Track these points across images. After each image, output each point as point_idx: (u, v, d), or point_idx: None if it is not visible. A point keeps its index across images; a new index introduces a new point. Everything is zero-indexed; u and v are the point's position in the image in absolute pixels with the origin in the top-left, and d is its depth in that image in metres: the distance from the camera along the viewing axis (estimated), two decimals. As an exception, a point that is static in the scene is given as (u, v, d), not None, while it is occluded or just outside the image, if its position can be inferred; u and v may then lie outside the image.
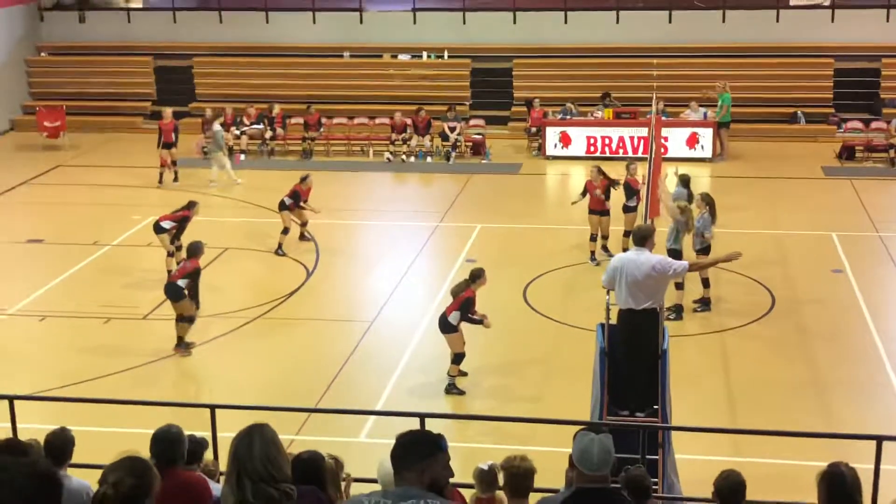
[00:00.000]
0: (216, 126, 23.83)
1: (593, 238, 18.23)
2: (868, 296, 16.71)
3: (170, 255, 17.75)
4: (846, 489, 5.69)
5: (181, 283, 14.88)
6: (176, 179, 23.53)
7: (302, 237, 19.55)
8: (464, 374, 14.07)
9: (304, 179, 19.21)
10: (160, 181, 23.47)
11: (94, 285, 17.92)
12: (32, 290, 17.59)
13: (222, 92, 28.39)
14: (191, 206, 17.88)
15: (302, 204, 19.09)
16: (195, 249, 15.08)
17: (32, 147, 27.04)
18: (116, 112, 29.34)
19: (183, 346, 15.06)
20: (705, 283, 16.22)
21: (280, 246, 18.78)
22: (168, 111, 24.10)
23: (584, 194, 18.38)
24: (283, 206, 19.00)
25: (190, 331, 15.10)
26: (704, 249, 16.05)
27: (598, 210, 18.14)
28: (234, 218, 21.38)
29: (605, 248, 18.16)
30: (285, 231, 18.91)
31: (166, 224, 17.61)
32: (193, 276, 14.90)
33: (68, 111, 27.73)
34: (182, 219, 17.66)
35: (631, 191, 18.23)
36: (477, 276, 13.98)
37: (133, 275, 18.37)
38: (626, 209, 18.22)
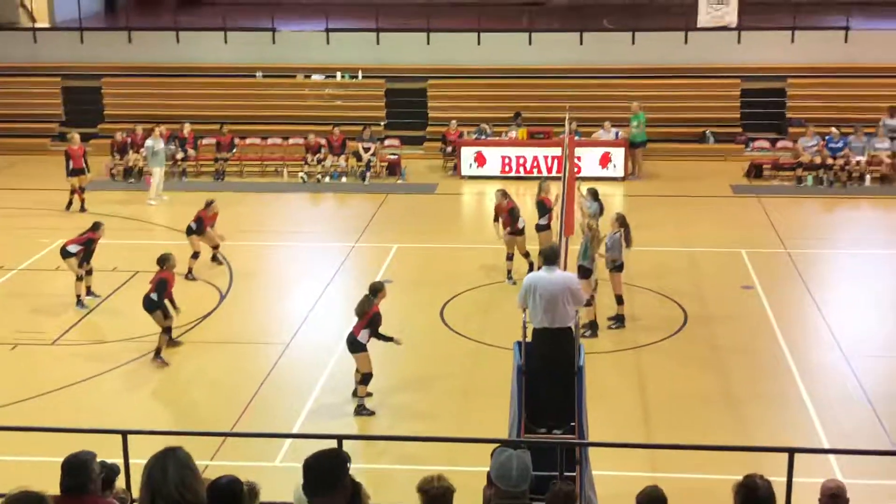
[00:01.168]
0: (149, 141, 23.62)
1: (509, 257, 18.30)
2: (778, 311, 17.03)
3: (79, 279, 17.38)
4: (760, 500, 5.76)
5: (153, 295, 15.17)
6: (83, 209, 22.63)
7: (214, 259, 19.30)
8: (369, 394, 13.96)
9: (208, 205, 18.97)
10: (68, 207, 22.86)
11: (1, 311, 17.45)
12: (-65, 317, 17.08)
13: (132, 113, 27.97)
14: (96, 227, 17.57)
15: (207, 229, 18.87)
16: (163, 260, 15.36)
17: (-65, 170, 26.34)
18: (23, 134, 28.70)
19: (158, 356, 15.23)
20: (619, 299, 16.38)
21: (190, 270, 18.50)
22: (76, 136, 23.42)
23: (496, 219, 18.45)
24: (189, 231, 18.77)
25: (164, 342, 15.31)
26: (617, 268, 16.22)
27: (512, 230, 18.23)
28: (145, 241, 21.01)
29: (531, 266, 18.18)
30: (195, 255, 18.66)
31: (73, 248, 17.26)
32: (160, 286, 15.18)
33: (-27, 133, 27.08)
34: (87, 241, 17.34)
35: (544, 209, 18.37)
36: (378, 289, 13.94)
37: (40, 300, 17.93)
38: (539, 228, 18.35)
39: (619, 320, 16.39)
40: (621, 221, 16.29)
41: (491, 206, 19.34)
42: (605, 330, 16.27)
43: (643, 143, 25.53)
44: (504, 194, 18.58)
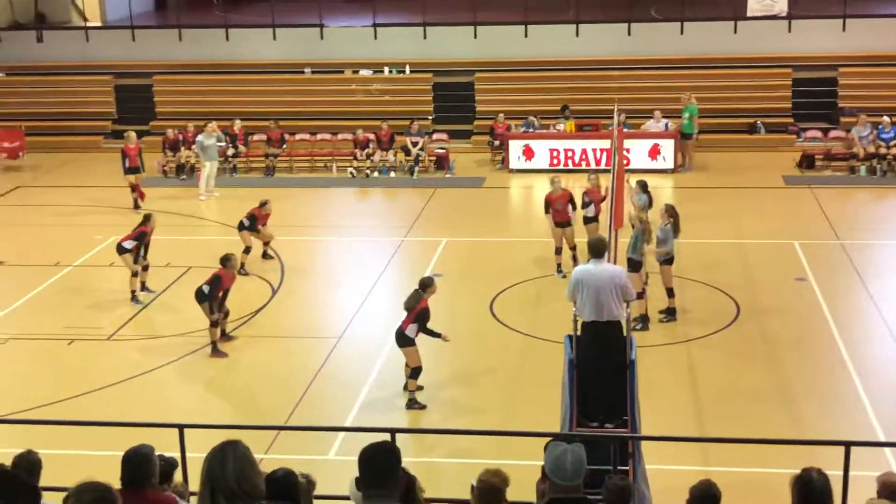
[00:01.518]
0: (200, 137, 23.86)
1: (558, 251, 18.28)
2: (831, 303, 16.85)
3: (134, 274, 17.61)
4: (818, 494, 5.73)
5: (205, 287, 15.38)
6: (137, 206, 22.58)
7: (265, 255, 19.44)
8: (420, 387, 14.02)
9: (263, 205, 19.10)
10: (135, 207, 22.55)
11: (57, 307, 17.73)
12: (-6, 313, 17.40)
13: (183, 110, 28.22)
14: (146, 220, 17.82)
15: (259, 227, 19.04)
16: (225, 260, 15.60)
17: (-9, 168, 26.79)
18: (76, 132, 29.09)
19: (215, 350, 15.51)
20: (670, 292, 16.30)
21: (242, 265, 18.62)
22: (132, 134, 23.44)
23: (547, 210, 18.43)
24: (241, 227, 18.95)
25: (216, 334, 15.55)
26: (668, 261, 16.14)
27: (561, 222, 18.21)
28: (198, 236, 21.25)
29: (574, 259, 18.18)
30: (247, 250, 18.79)
31: (127, 244, 17.49)
32: (213, 282, 15.38)
33: (27, 132, 27.47)
34: (140, 235, 17.56)
35: (590, 202, 18.36)
36: (427, 284, 13.98)
37: (96, 295, 18.20)
38: (587, 220, 18.33)
39: (670, 313, 16.32)
40: (671, 212, 16.19)
41: (540, 199, 19.30)
42: (657, 323, 16.20)
43: (692, 134, 25.34)
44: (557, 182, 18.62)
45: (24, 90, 29.85)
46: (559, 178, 18.99)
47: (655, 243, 16.09)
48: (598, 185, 18.51)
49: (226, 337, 15.83)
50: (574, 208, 18.28)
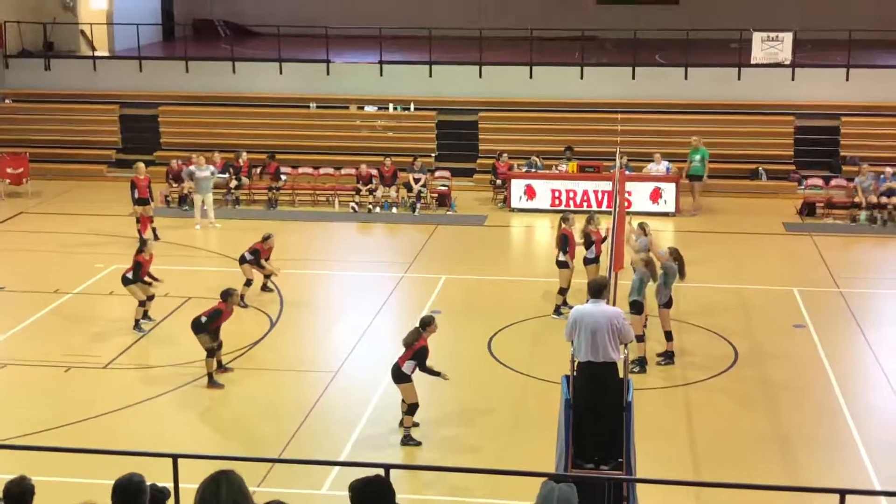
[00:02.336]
0: (190, 168, 23.95)
1: (562, 291, 18.23)
2: (830, 351, 16.84)
3: (141, 304, 17.63)
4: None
5: (203, 318, 15.49)
6: (157, 237, 22.37)
7: (264, 288, 19.45)
8: (416, 424, 13.98)
9: (265, 239, 19.06)
10: (141, 237, 21.96)
11: (56, 333, 17.72)
12: (-8, 338, 17.39)
13: (188, 141, 28.34)
14: (142, 247, 17.93)
15: (263, 263, 19.03)
16: (227, 295, 15.64)
17: (-6, 194, 26.86)
18: (81, 160, 29.20)
19: (212, 381, 15.53)
20: (668, 335, 16.30)
21: (242, 297, 18.63)
22: (142, 166, 23.27)
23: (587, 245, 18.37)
24: (242, 261, 18.94)
25: (212, 365, 15.57)
26: (666, 304, 16.15)
27: (560, 262, 18.20)
28: (197, 267, 21.28)
29: (565, 302, 18.14)
30: (248, 283, 18.81)
31: (130, 275, 17.56)
32: (213, 315, 15.49)
33: (32, 158, 27.57)
34: (136, 264, 17.60)
35: (590, 242, 18.37)
36: (427, 323, 13.97)
37: (95, 323, 18.20)
38: (587, 261, 18.34)
39: (668, 356, 16.31)
40: (675, 255, 16.21)
41: (540, 239, 19.34)
42: (654, 366, 16.18)
43: (702, 176, 25.42)
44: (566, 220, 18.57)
45: (30, 117, 30.03)
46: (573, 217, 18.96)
47: (660, 280, 16.06)
48: (599, 227, 18.54)
49: (222, 368, 15.81)
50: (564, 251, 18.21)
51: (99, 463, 11.00)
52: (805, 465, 13.30)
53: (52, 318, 18.45)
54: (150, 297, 17.78)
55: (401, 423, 13.94)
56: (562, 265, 18.15)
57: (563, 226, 18.31)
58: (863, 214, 24.46)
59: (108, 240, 22.94)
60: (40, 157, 28.25)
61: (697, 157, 25.39)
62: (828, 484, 11.72)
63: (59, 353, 16.71)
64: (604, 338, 10.55)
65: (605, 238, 18.65)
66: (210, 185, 24.05)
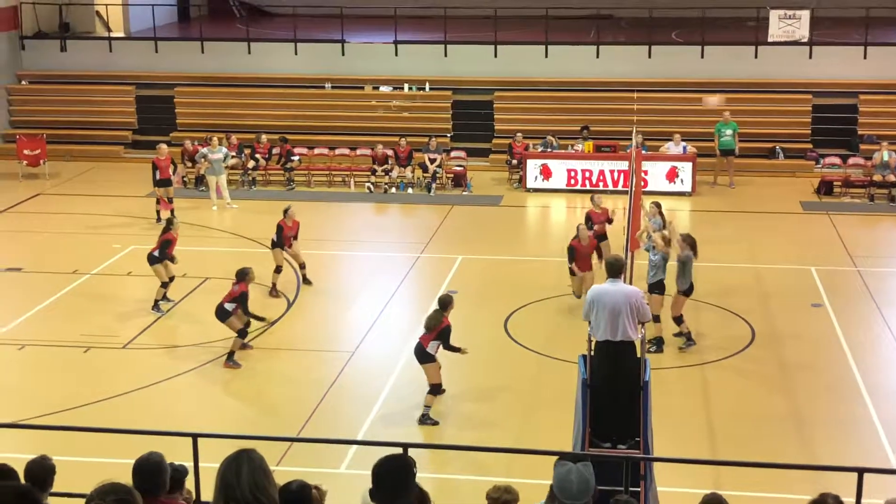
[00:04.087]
0: (203, 150, 23.95)
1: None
2: (847, 330, 16.80)
3: (163, 285, 17.68)
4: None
5: (228, 306, 15.47)
6: (160, 219, 22.29)
7: (305, 281, 18.93)
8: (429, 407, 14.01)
9: (285, 212, 18.91)
10: (158, 219, 22.45)
11: (74, 314, 17.82)
12: (11, 319, 17.48)
13: (203, 122, 28.37)
14: (169, 225, 17.92)
15: (289, 238, 18.62)
16: (243, 274, 15.56)
17: (12, 175, 26.94)
18: (97, 141, 29.28)
19: (230, 360, 15.52)
20: (677, 320, 16.04)
21: (274, 286, 18.47)
22: (164, 147, 23.25)
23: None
24: (273, 245, 18.65)
25: (238, 345, 15.64)
26: (687, 291, 15.96)
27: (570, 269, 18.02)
28: (215, 247, 21.33)
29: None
30: (277, 269, 18.55)
31: (157, 253, 17.58)
32: (240, 299, 15.46)
33: (49, 140, 27.65)
34: (164, 243, 17.64)
35: (590, 223, 18.45)
36: (447, 302, 14.02)
37: (113, 303, 18.28)
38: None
39: (689, 337, 16.13)
40: (689, 241, 15.89)
41: (556, 219, 19.33)
42: (672, 346, 16.14)
43: (734, 150, 25.37)
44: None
45: (46, 98, 30.09)
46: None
47: (677, 269, 15.86)
48: (602, 207, 18.56)
49: (244, 346, 15.89)
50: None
51: (119, 442, 11.05)
52: (822, 444, 13.29)
53: (71, 298, 18.54)
54: (171, 279, 17.83)
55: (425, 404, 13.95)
56: (571, 272, 17.96)
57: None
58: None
59: (125, 220, 23.01)
60: (57, 139, 28.33)
61: (728, 131, 25.33)
62: (846, 463, 11.70)
63: (77, 334, 16.80)
64: (622, 317, 10.53)
65: (610, 219, 18.65)
66: (223, 167, 24.06)
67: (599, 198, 19.15)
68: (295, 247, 18.86)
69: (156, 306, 17.67)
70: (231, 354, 15.54)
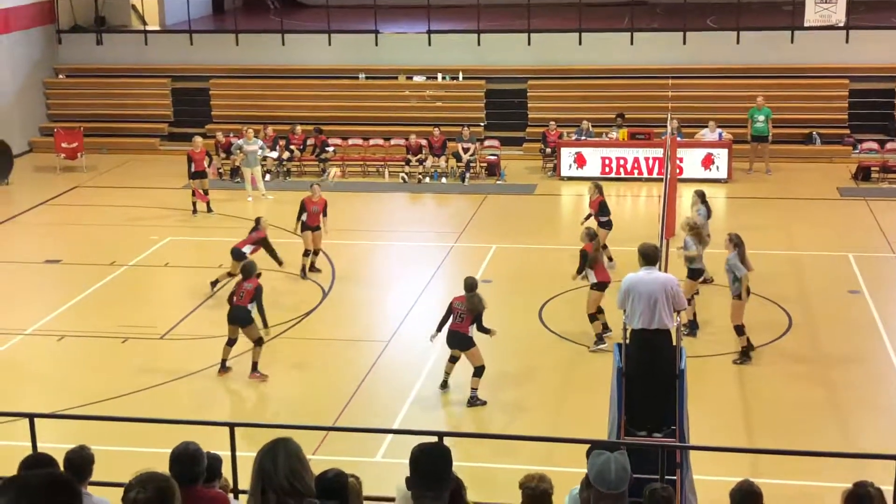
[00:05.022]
0: (238, 141, 24.06)
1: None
2: (885, 317, 16.65)
3: (230, 274, 17.58)
4: (871, 509, 5.67)
5: (249, 306, 14.75)
6: (209, 210, 22.87)
7: (312, 267, 19.00)
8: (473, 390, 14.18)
9: (311, 187, 19.05)
10: (194, 211, 22.86)
11: (112, 305, 18.00)
12: (50, 311, 17.68)
13: (238, 114, 28.53)
14: (258, 224, 17.94)
15: (322, 219, 18.75)
16: (251, 270, 15.04)
17: (50, 168, 27.22)
18: (133, 133, 29.52)
19: (257, 371, 14.90)
20: (738, 329, 15.34)
21: (303, 268, 18.68)
22: (199, 139, 23.40)
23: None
24: (304, 228, 18.82)
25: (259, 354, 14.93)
26: (738, 295, 15.23)
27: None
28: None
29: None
30: (306, 253, 18.78)
31: (246, 249, 17.59)
32: (257, 296, 14.72)
33: (86, 133, 27.90)
34: (258, 240, 17.73)
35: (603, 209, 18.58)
36: (474, 285, 14.26)
37: (151, 295, 18.46)
38: (602, 225, 18.40)
39: (744, 354, 15.37)
40: (736, 241, 15.19)
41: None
42: (706, 335, 16.06)
43: (768, 136, 25.21)
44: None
45: (83, 92, 30.33)
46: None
47: (729, 278, 15.23)
48: (598, 195, 18.55)
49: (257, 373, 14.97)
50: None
51: (157, 432, 11.17)
52: (860, 431, 13.20)
53: (109, 289, 18.72)
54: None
55: (472, 401, 14.04)
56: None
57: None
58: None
59: (162, 212, 23.20)
60: (94, 132, 28.57)
61: (761, 117, 25.13)
62: (884, 450, 11.61)
63: (115, 325, 16.97)
64: (659, 305, 10.49)
65: (598, 209, 18.55)
66: (258, 159, 24.18)
67: (592, 187, 18.99)
68: (324, 226, 18.87)
69: (215, 284, 17.77)
70: (255, 365, 14.94)
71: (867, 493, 5.67)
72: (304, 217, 18.85)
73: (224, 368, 15.10)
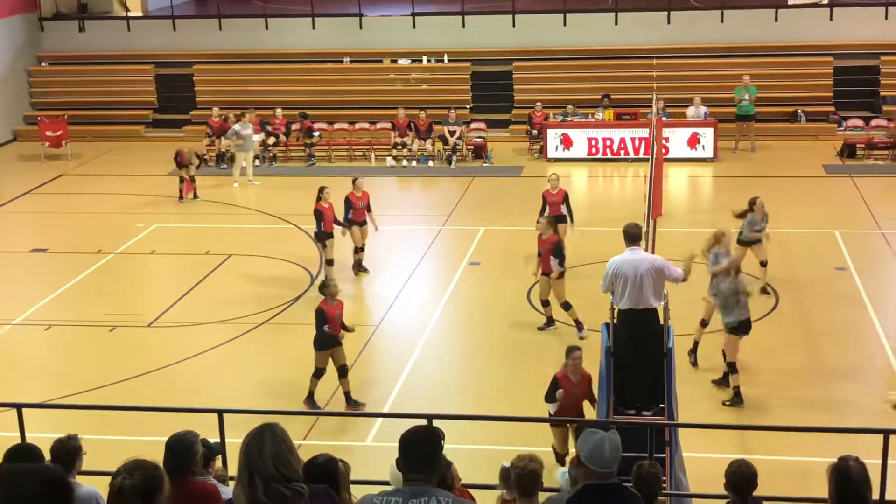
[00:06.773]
0: (236, 126, 23.97)
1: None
2: (872, 293, 16.72)
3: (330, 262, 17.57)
4: (855, 483, 5.70)
5: (316, 332, 13.59)
6: (196, 196, 22.75)
7: (360, 266, 18.47)
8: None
9: (354, 181, 18.27)
10: (180, 198, 22.60)
11: (99, 294, 17.95)
12: (37, 300, 17.63)
13: (223, 99, 28.37)
14: (320, 193, 17.63)
15: (368, 215, 18.09)
16: (322, 288, 14.04)
17: (35, 157, 27.09)
18: (118, 121, 29.39)
19: (311, 400, 13.64)
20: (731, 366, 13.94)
21: (356, 263, 18.22)
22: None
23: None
24: (350, 224, 18.03)
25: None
26: (734, 329, 13.92)
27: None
28: (238, 225, 21.39)
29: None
30: (356, 250, 18.21)
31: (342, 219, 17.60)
32: (318, 320, 13.59)
33: (70, 121, 27.77)
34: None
35: (544, 204, 17.72)
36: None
37: (138, 282, 18.41)
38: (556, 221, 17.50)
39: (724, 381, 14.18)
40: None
41: (578, 188, 19.26)
42: (695, 315, 16.05)
43: (754, 115, 25.24)
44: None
45: (66, 80, 30.18)
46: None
47: (717, 304, 13.90)
48: (557, 187, 17.83)
49: (352, 403, 13.62)
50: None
51: (146, 420, 11.20)
52: (849, 407, 13.25)
53: (96, 278, 18.67)
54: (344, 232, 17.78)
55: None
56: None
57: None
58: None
59: (148, 199, 23.11)
60: (78, 120, 28.42)
61: (748, 95, 25.14)
62: (872, 426, 11.67)
63: (103, 313, 16.93)
64: (645, 285, 10.50)
65: (555, 199, 17.76)
66: (252, 144, 24.13)
67: (556, 176, 18.05)
68: (372, 221, 18.20)
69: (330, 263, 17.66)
70: (311, 395, 13.68)
71: (849, 468, 5.70)
72: (350, 214, 18.07)
73: (309, 399, 13.68)
